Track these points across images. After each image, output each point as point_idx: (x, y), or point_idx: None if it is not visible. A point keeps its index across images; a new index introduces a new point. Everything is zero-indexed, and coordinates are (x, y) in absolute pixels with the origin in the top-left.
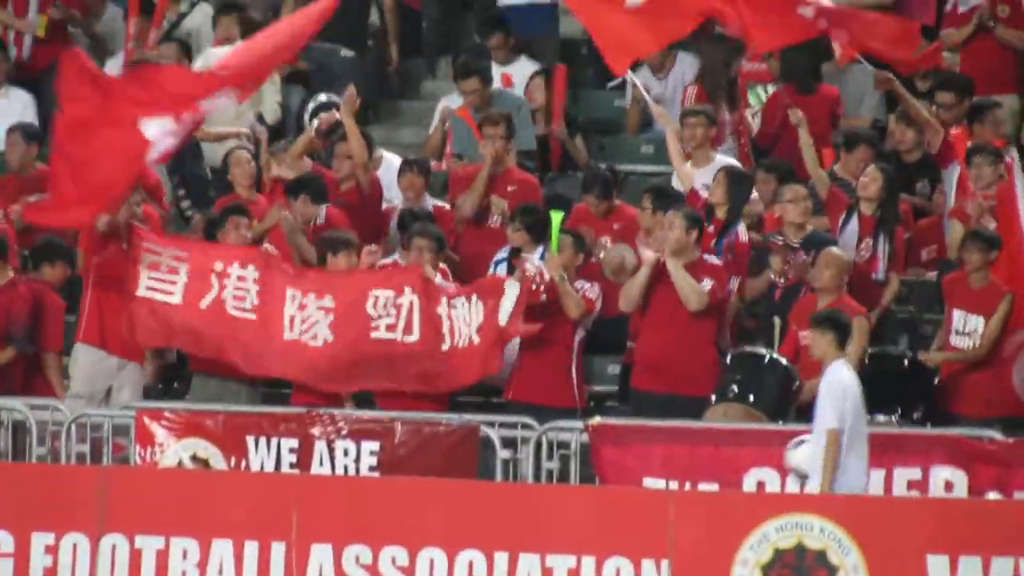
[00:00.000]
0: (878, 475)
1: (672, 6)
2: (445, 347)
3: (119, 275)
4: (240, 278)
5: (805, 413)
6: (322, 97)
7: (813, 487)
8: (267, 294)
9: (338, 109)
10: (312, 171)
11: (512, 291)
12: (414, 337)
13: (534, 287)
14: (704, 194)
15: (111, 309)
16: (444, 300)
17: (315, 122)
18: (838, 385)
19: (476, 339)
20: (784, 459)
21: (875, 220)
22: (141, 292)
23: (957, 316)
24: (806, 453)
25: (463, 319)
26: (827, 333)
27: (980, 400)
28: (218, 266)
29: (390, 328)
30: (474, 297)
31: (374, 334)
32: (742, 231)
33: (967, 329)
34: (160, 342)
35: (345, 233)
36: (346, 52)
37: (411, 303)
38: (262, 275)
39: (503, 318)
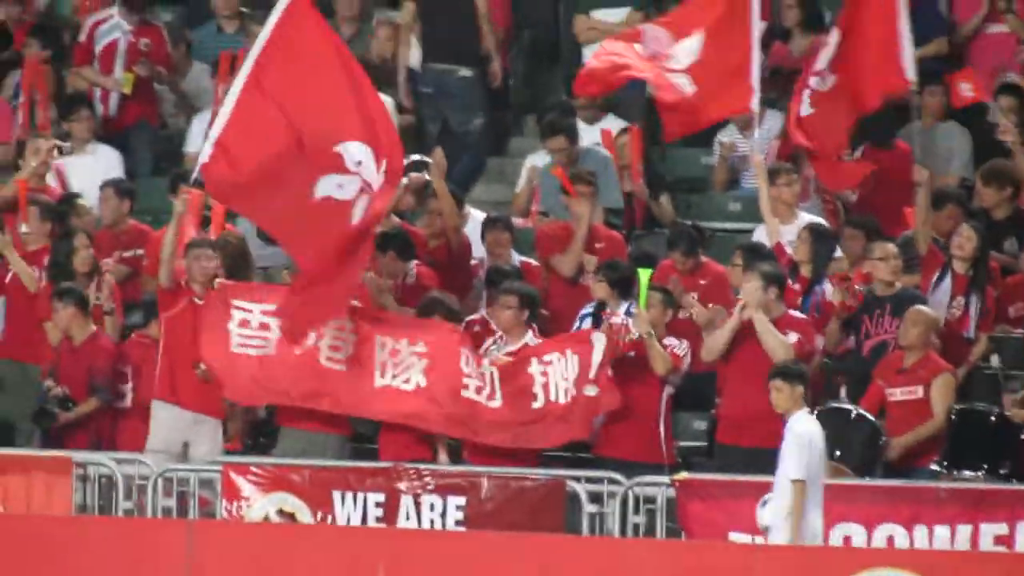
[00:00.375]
0: (965, 530)
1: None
2: (537, 405)
3: (190, 331)
4: (339, 328)
5: (893, 469)
6: (414, 157)
7: (777, 538)
8: (358, 343)
9: (428, 170)
10: (400, 228)
11: (600, 344)
12: (497, 403)
13: (620, 340)
14: (789, 251)
15: (183, 365)
16: (534, 361)
17: (405, 181)
18: (803, 436)
19: (573, 392)
20: (758, 518)
21: (968, 279)
22: (234, 349)
23: None
24: (771, 508)
25: (560, 374)
26: (788, 385)
27: None
28: (313, 316)
29: (478, 391)
30: (568, 352)
31: (464, 392)
32: (828, 289)
33: None
34: (249, 400)
35: (447, 299)
36: (464, 71)
37: (492, 372)
38: (356, 325)
39: (593, 371)
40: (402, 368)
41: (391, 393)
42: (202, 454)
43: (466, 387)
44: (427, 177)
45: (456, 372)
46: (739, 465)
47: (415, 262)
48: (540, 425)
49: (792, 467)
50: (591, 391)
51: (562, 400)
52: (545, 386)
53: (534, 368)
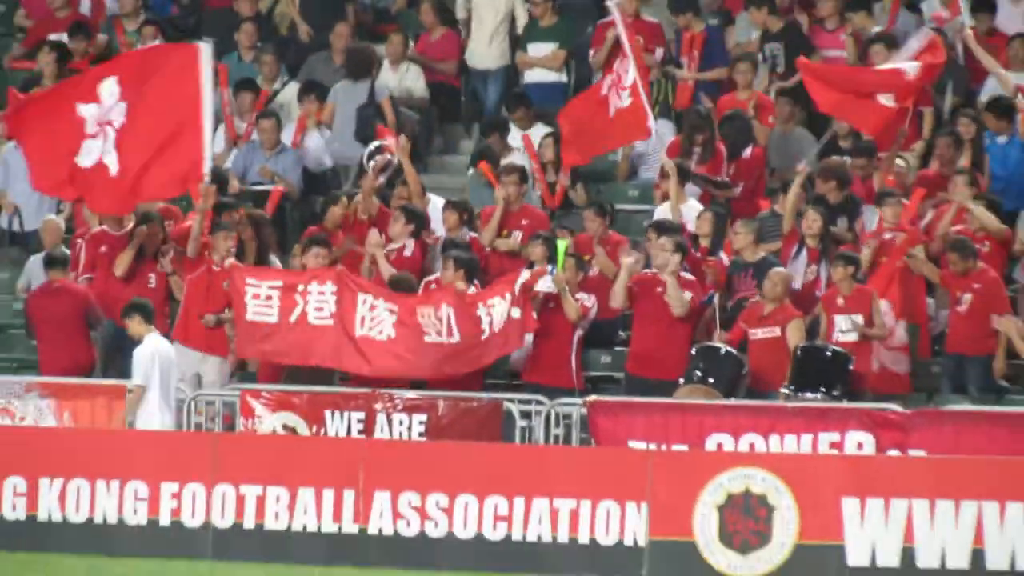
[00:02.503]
0: (807, 438)
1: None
2: (484, 336)
3: (204, 291)
4: (320, 293)
5: (751, 392)
6: (375, 144)
7: None
8: (341, 303)
9: (390, 152)
10: (420, 210)
11: (523, 275)
12: (456, 339)
13: (536, 279)
14: (690, 227)
15: (195, 316)
16: (481, 305)
17: (372, 163)
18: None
19: (505, 317)
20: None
21: (818, 251)
22: (249, 317)
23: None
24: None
25: (500, 314)
26: None
27: (882, 381)
28: (300, 287)
29: (438, 333)
30: (507, 295)
31: (427, 338)
32: (724, 257)
33: (848, 326)
34: (260, 356)
35: (409, 279)
36: (411, 114)
37: (448, 314)
38: (338, 289)
39: (516, 290)
40: (376, 322)
41: (367, 342)
42: (210, 382)
43: (428, 334)
44: (388, 158)
45: (417, 326)
46: (640, 390)
47: (415, 240)
48: (484, 347)
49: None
50: (515, 313)
51: (497, 327)
52: (490, 323)
53: (481, 311)
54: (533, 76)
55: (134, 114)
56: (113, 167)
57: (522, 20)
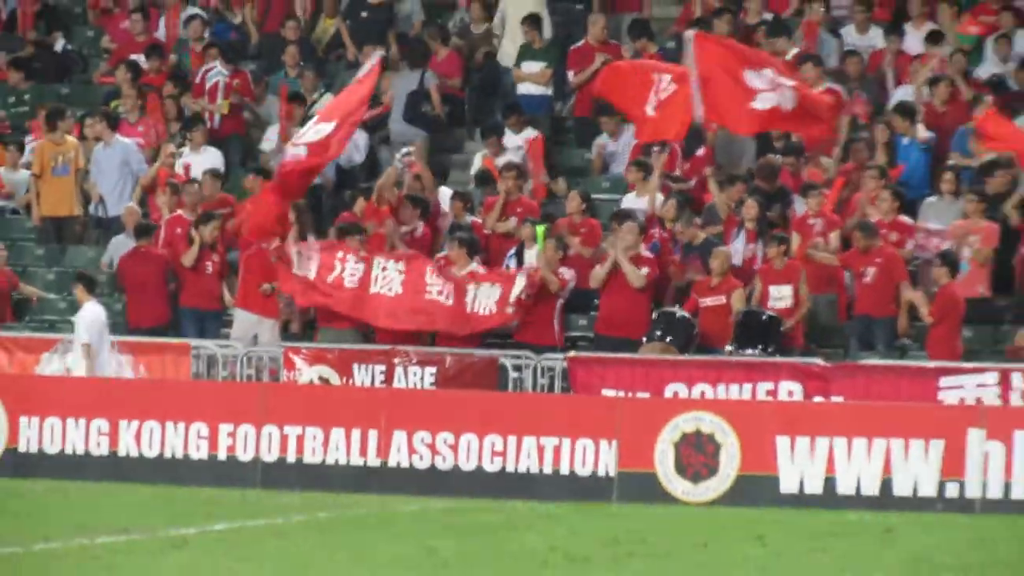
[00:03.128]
0: (748, 387)
1: (672, 112)
2: (468, 311)
3: (257, 265)
4: (355, 262)
5: (701, 349)
6: (404, 149)
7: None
8: (364, 270)
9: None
10: (426, 197)
11: (521, 281)
12: (450, 302)
13: (535, 279)
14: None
15: (254, 284)
16: (473, 284)
17: (402, 163)
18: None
19: (494, 309)
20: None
21: (756, 232)
22: (298, 272)
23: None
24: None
25: (486, 295)
26: None
27: (807, 339)
28: (339, 255)
29: (439, 293)
30: (496, 283)
31: (427, 296)
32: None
33: (781, 295)
34: (306, 304)
35: (357, 224)
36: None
37: (449, 286)
38: (365, 259)
39: (513, 296)
40: (387, 280)
41: (379, 298)
42: (265, 341)
43: (429, 292)
44: (413, 160)
45: (422, 283)
46: (609, 347)
47: (423, 223)
48: (465, 320)
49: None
50: (510, 311)
51: (483, 312)
52: (475, 300)
53: (471, 288)
54: (524, 89)
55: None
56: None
57: (546, 27)
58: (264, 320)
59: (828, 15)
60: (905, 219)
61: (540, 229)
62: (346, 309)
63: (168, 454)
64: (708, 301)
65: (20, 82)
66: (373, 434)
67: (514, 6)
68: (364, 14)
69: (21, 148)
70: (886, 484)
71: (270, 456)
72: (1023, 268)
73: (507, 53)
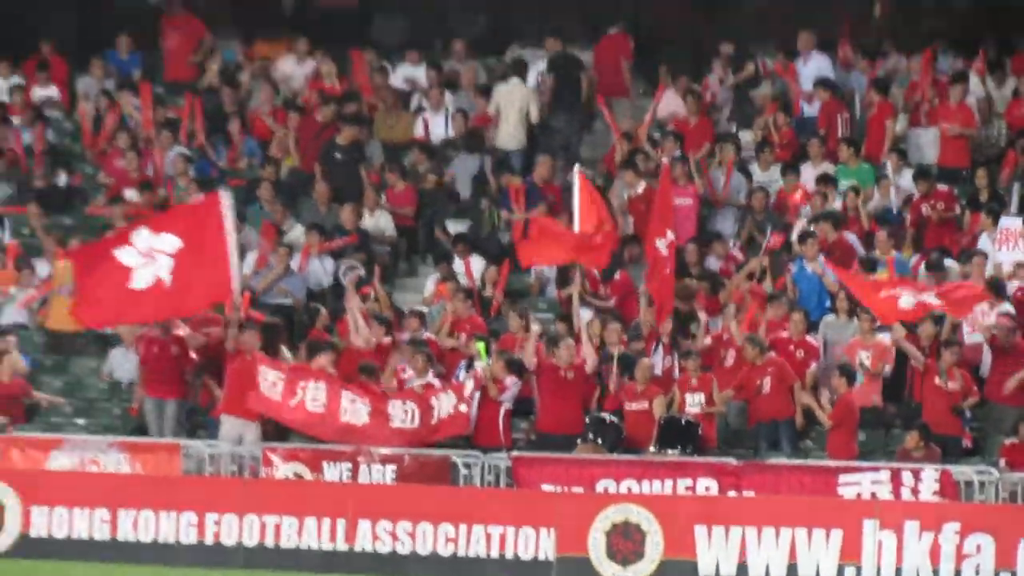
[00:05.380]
0: (669, 483)
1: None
2: (434, 421)
3: (245, 377)
4: (316, 388)
5: (628, 449)
6: (347, 263)
7: None
8: (330, 397)
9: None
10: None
11: (469, 385)
12: (416, 424)
13: (481, 382)
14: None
15: (240, 392)
16: (433, 399)
17: (346, 277)
18: None
19: (451, 411)
20: None
21: (671, 347)
22: (264, 392)
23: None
24: None
25: (444, 403)
26: None
27: (721, 441)
28: (301, 382)
29: (402, 420)
30: (449, 391)
31: (392, 424)
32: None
33: (695, 402)
34: (276, 420)
35: (373, 366)
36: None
37: (412, 407)
38: (327, 386)
39: (466, 396)
40: (353, 413)
41: (348, 426)
42: (250, 441)
43: (393, 420)
44: (360, 272)
45: (385, 414)
46: (548, 443)
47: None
48: (433, 430)
49: None
50: (463, 408)
51: (445, 416)
52: (439, 411)
53: (433, 401)
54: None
55: (176, 247)
56: (167, 281)
57: (535, 114)
58: (249, 423)
59: (738, 155)
60: (811, 339)
61: (481, 345)
62: (317, 432)
63: (162, 539)
64: (633, 406)
65: (37, 216)
66: (341, 523)
67: (507, 101)
68: (337, 155)
69: (31, 270)
70: (792, 568)
71: (251, 541)
72: (912, 379)
73: (503, 137)
